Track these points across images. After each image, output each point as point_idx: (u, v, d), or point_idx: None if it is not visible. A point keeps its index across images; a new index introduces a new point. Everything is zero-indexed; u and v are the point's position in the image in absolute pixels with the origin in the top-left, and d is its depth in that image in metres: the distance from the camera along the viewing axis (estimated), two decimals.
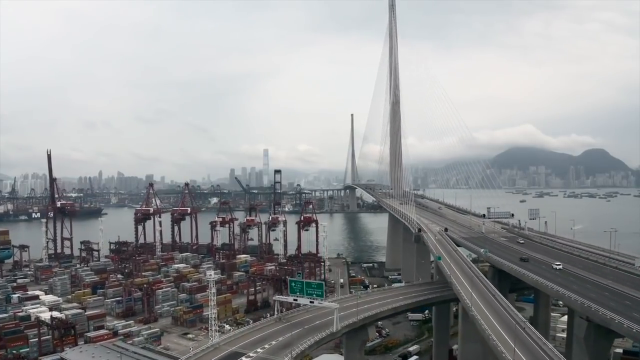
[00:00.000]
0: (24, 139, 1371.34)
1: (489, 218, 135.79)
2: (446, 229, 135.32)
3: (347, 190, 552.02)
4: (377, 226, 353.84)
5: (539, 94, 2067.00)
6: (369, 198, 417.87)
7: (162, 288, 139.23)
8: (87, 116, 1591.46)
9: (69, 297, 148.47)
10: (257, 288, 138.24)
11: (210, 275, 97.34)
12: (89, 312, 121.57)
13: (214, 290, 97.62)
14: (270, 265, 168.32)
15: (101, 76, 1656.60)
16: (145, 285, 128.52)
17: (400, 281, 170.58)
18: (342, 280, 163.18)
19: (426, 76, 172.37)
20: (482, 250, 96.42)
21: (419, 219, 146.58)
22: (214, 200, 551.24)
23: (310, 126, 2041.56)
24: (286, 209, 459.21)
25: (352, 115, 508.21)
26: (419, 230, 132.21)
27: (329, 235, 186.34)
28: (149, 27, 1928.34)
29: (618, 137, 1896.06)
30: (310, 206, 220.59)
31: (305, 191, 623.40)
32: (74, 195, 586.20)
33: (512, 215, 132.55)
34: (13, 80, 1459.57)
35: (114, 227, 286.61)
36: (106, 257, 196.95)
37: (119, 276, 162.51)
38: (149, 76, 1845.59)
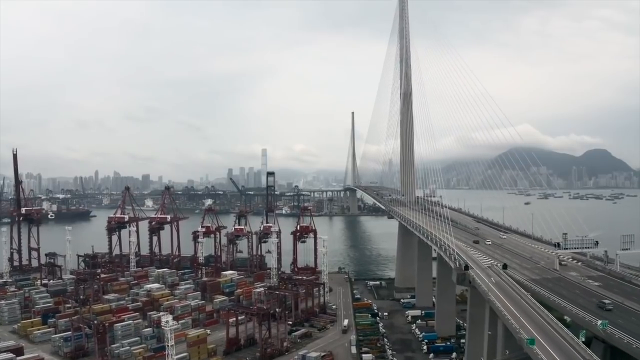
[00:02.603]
0: (19, 138, 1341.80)
1: (566, 248, 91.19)
2: (505, 266, 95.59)
3: (347, 192, 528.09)
4: (380, 231, 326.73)
5: (538, 93, 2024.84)
6: (370, 200, 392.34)
7: (123, 320, 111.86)
8: (81, 115, 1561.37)
9: (16, 326, 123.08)
10: (241, 318, 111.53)
11: (167, 321, 71.62)
12: (24, 356, 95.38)
13: (172, 342, 72.16)
14: (260, 287, 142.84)
15: (94, 75, 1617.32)
16: (94, 322, 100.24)
17: (414, 306, 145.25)
18: (345, 323, 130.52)
19: (445, 65, 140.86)
20: (598, 322, 59.46)
21: (460, 250, 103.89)
22: (209, 202, 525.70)
23: (306, 125, 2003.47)
24: (283, 212, 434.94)
25: (352, 113, 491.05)
26: (466, 267, 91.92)
27: (329, 244, 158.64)
28: (140, 25, 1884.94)
29: (618, 137, 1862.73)
30: (309, 209, 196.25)
31: (304, 192, 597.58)
32: (61, 196, 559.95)
33: (597, 243, 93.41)
34: (8, 79, 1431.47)
35: (96, 233, 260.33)
36: (72, 273, 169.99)
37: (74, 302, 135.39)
38: (142, 75, 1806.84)
